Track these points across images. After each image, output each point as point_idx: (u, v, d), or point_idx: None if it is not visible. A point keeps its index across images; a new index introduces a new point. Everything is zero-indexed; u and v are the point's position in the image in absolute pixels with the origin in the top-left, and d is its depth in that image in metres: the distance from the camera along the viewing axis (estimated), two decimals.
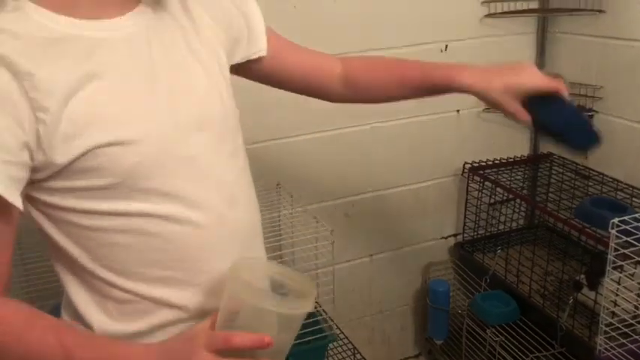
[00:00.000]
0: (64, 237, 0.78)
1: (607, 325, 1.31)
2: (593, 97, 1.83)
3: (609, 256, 1.26)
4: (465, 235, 2.04)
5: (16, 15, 0.72)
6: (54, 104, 0.70)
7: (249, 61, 0.97)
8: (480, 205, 1.95)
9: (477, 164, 1.96)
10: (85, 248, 0.78)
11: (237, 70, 0.97)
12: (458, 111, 1.97)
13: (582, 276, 1.58)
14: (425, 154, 1.97)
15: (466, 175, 1.97)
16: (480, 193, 1.93)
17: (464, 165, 1.97)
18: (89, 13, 0.75)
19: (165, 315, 0.82)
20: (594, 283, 1.54)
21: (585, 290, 1.57)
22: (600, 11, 1.76)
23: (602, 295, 1.36)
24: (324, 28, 1.69)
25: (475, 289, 1.91)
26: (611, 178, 1.78)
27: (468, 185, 1.97)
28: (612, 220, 1.24)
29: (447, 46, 1.87)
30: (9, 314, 0.72)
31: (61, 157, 0.71)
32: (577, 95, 1.87)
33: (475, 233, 2.01)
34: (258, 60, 0.98)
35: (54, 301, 0.78)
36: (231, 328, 0.74)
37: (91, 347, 0.74)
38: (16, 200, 0.70)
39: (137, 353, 0.75)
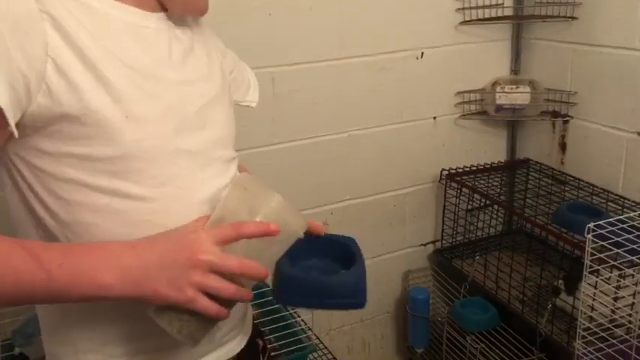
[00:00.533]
0: (39, 205, 0.76)
1: (585, 330, 1.31)
2: (568, 102, 1.84)
3: (585, 261, 1.26)
4: (444, 241, 2.04)
5: None
6: (73, 59, 0.70)
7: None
8: (458, 211, 1.96)
9: (454, 171, 1.96)
10: (59, 220, 0.76)
11: None
12: (434, 118, 1.97)
13: (560, 281, 1.59)
14: (402, 161, 1.97)
15: (443, 181, 1.97)
16: (458, 200, 1.93)
17: (441, 172, 1.97)
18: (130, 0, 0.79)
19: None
20: (572, 288, 1.54)
21: (563, 295, 1.58)
22: (573, 18, 1.78)
23: (579, 299, 1.36)
24: (299, 36, 1.68)
25: (455, 295, 1.90)
26: (586, 182, 1.79)
27: (445, 192, 1.97)
28: (588, 225, 1.24)
29: (422, 54, 1.88)
30: None
31: (70, 103, 0.70)
32: (552, 101, 1.89)
33: (453, 240, 2.01)
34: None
35: None
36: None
37: (58, 248, 0.71)
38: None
39: (117, 247, 0.70)
